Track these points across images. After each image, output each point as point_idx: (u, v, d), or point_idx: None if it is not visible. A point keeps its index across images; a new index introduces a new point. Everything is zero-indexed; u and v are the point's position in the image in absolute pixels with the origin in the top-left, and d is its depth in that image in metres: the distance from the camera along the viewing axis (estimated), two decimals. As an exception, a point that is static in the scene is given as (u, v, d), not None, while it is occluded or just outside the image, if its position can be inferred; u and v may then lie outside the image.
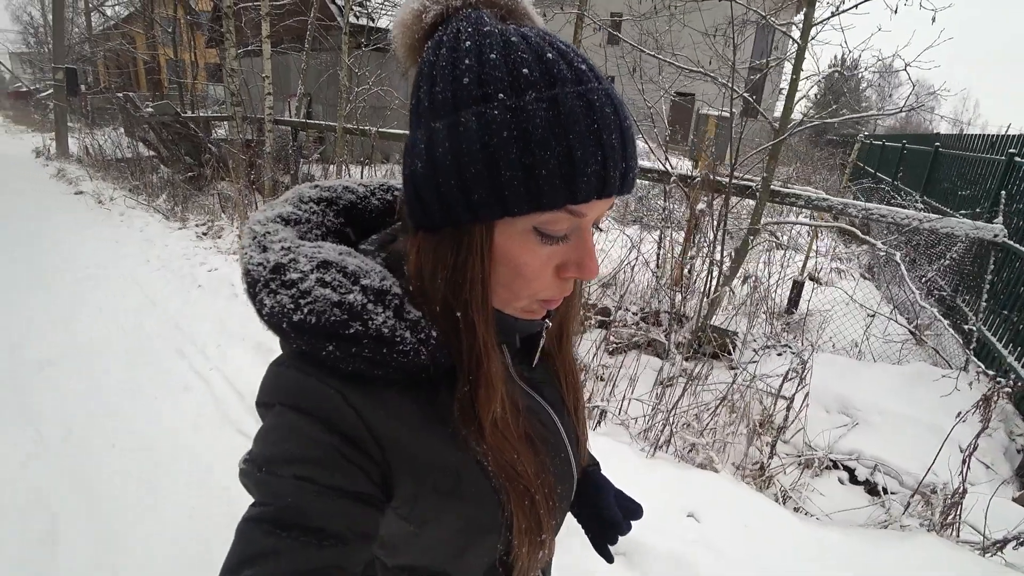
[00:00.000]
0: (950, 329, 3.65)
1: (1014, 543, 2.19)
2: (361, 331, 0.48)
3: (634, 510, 0.79)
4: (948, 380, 3.59)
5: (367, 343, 0.49)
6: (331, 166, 5.96)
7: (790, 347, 3.69)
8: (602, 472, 0.85)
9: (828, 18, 2.95)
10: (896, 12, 2.96)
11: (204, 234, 5.73)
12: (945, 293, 4.91)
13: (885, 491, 2.89)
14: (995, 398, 2.17)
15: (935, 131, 13.08)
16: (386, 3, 9.39)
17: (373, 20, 8.88)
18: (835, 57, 50.53)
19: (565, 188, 0.45)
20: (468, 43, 0.46)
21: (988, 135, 6.12)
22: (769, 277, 4.42)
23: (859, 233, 3.71)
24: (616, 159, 0.46)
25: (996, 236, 3.55)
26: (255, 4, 7.00)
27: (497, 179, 0.45)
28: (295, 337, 0.49)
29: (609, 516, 0.77)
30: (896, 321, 3.81)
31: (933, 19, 2.96)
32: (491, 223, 0.48)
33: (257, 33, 6.70)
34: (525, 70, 0.45)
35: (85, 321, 3.85)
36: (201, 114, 9.09)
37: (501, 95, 0.44)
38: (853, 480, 3.03)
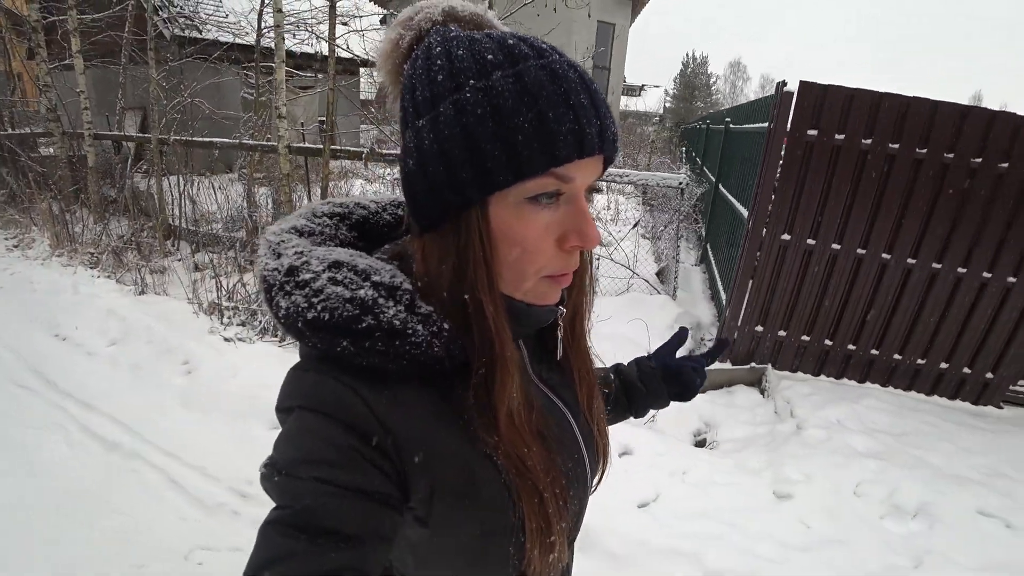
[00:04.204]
0: (664, 260, 4.54)
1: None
2: (373, 324, 0.49)
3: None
4: (656, 299, 4.49)
5: (380, 336, 0.49)
6: (152, 180, 6.12)
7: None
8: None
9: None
10: None
11: (15, 247, 5.79)
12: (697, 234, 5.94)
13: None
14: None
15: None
16: (215, 15, 9.52)
17: (200, 32, 8.99)
18: (686, 55, 54.43)
19: (544, 151, 0.46)
20: (438, 49, 0.50)
21: (721, 110, 7.33)
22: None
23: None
24: (589, 117, 0.47)
25: (681, 183, 4.49)
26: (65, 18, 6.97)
27: (479, 155, 0.46)
28: (310, 335, 0.50)
29: (678, 366, 0.93)
30: (614, 261, 4.69)
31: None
32: (484, 202, 0.49)
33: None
34: (489, 56, 0.48)
35: None
36: (20, 131, 8.78)
37: (471, 80, 0.47)
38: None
